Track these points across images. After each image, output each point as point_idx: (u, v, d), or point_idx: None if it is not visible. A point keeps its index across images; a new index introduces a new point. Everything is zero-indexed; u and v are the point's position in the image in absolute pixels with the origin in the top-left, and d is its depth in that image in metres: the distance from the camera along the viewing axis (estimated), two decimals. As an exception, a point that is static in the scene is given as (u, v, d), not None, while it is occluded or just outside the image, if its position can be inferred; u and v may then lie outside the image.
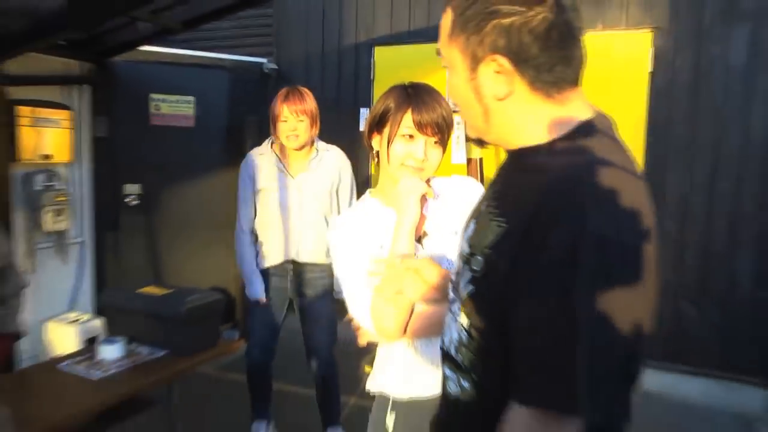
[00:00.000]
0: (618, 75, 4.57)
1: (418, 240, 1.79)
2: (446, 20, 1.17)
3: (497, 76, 1.11)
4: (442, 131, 1.79)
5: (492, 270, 1.10)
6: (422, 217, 1.82)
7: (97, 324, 4.14)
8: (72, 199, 4.47)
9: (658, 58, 4.49)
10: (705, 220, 4.46)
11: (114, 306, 3.21)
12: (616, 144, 1.13)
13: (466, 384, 1.23)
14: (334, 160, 3.52)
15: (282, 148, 3.45)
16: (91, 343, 3.85)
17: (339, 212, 3.53)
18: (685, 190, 4.51)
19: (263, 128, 5.43)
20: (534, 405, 1.01)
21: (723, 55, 4.34)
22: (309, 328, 3.58)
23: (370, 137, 1.91)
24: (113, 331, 3.13)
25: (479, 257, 1.14)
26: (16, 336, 2.04)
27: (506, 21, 1.07)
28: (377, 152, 1.89)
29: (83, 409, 2.51)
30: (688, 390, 4.53)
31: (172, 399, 3.01)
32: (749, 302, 4.38)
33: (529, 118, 1.14)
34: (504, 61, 1.09)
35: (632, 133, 4.52)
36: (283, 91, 3.40)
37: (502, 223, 1.12)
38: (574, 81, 1.13)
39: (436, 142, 1.79)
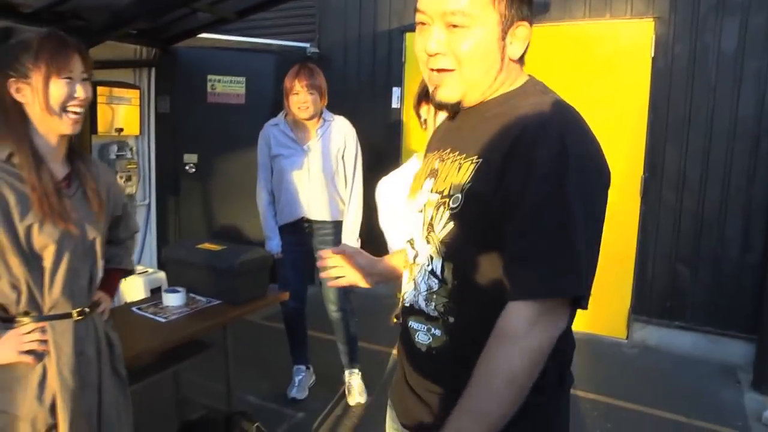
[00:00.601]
0: (624, 59, 4.52)
1: None
2: None
3: (523, 39, 1.19)
4: None
5: (472, 200, 1.13)
6: None
7: (161, 276, 4.23)
8: (139, 167, 4.58)
9: (659, 44, 4.42)
10: (699, 189, 4.43)
11: (176, 260, 3.29)
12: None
13: (437, 331, 1.21)
14: (339, 128, 3.51)
15: (294, 118, 3.47)
16: (154, 292, 3.98)
17: (345, 175, 3.55)
18: (682, 163, 4.46)
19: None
20: (542, 295, 1.04)
21: (715, 42, 4.27)
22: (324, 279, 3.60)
23: (418, 106, 1.91)
24: (174, 282, 3.19)
25: (457, 195, 1.15)
26: (129, 272, 2.22)
27: None
28: (425, 120, 1.89)
29: (153, 347, 2.62)
30: (680, 343, 4.55)
31: (227, 342, 3.09)
32: (737, 265, 4.35)
33: (512, 78, 1.23)
34: (528, 27, 1.18)
35: (636, 111, 4.49)
36: (295, 67, 3.40)
37: (475, 160, 1.16)
38: None
39: None
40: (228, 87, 5.15)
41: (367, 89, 5.65)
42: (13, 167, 1.65)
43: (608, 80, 4.49)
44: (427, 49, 1.19)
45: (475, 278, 1.15)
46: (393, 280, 1.58)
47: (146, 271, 4.35)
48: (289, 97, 3.39)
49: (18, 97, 1.65)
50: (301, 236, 3.59)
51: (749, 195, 4.27)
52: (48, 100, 1.65)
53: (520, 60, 1.23)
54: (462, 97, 1.21)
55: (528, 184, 1.05)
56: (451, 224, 1.16)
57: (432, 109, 1.81)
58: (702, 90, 4.34)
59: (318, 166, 3.47)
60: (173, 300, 3.00)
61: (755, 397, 3.89)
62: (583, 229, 1.04)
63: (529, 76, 1.25)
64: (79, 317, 1.78)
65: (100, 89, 4.16)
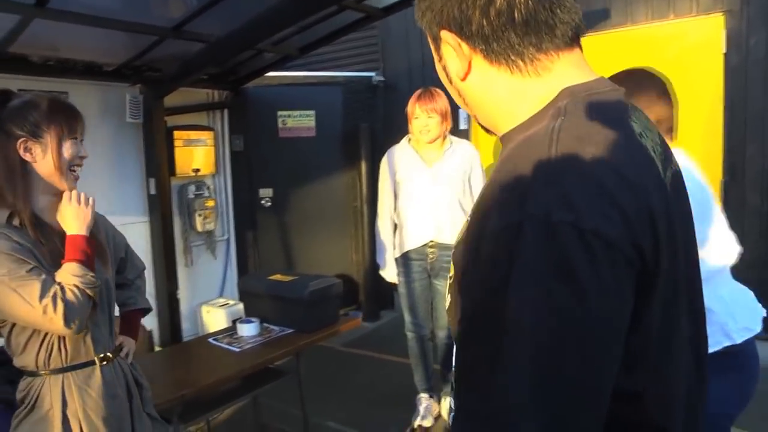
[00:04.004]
0: (693, 59, 4.34)
1: None
2: None
3: (454, 53, 0.87)
4: None
5: (455, 273, 0.84)
6: None
7: (241, 307, 4.35)
8: (217, 204, 4.80)
9: (731, 39, 4.20)
10: (787, 189, 4.18)
11: (249, 291, 3.43)
12: (611, 112, 0.80)
13: None
14: (465, 151, 3.51)
15: (418, 142, 3.48)
16: (236, 323, 4.14)
17: (472, 198, 3.50)
18: (764, 162, 4.23)
19: (375, 133, 5.60)
20: None
21: (792, 32, 4.03)
22: (439, 303, 3.56)
23: None
24: (250, 313, 3.35)
25: (452, 261, 0.87)
26: (145, 311, 2.22)
27: None
28: None
29: (226, 375, 2.75)
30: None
31: (299, 369, 3.17)
32: (836, 266, 4.07)
33: (497, 96, 0.87)
34: (449, 36, 0.85)
35: (710, 112, 4.29)
36: (416, 92, 3.45)
37: (468, 216, 0.86)
38: (550, 47, 0.82)
39: None
40: (298, 121, 5.32)
41: (434, 112, 5.67)
42: (15, 228, 1.67)
43: (678, 82, 4.28)
44: None
45: None
46: None
47: (227, 303, 4.52)
48: (411, 121, 3.44)
49: (26, 156, 1.69)
50: (423, 262, 3.54)
51: (843, 190, 3.99)
52: (60, 158, 1.72)
53: (521, 72, 0.84)
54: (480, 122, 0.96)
55: (468, 275, 0.74)
56: (449, 297, 0.89)
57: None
58: (781, 83, 4.11)
59: (446, 188, 3.44)
60: (247, 330, 3.14)
61: None
62: (528, 361, 0.64)
63: (584, 80, 0.84)
64: (104, 363, 1.82)
65: (176, 133, 4.40)
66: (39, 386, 1.73)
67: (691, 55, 4.36)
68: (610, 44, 4.47)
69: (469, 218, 0.83)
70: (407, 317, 3.57)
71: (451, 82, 0.91)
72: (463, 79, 0.88)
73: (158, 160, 4.15)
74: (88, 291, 1.65)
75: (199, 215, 4.53)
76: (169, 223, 4.23)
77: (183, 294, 4.37)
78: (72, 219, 1.72)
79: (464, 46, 0.84)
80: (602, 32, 4.62)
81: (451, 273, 0.86)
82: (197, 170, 4.56)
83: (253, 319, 3.18)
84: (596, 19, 4.59)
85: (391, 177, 3.54)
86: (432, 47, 0.93)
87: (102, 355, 1.82)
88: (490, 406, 0.66)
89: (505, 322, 0.65)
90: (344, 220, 5.58)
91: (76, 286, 1.63)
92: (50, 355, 1.72)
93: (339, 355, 4.77)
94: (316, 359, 4.17)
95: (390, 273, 3.56)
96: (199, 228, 4.55)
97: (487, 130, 0.95)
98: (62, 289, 1.61)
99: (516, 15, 0.79)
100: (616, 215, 0.67)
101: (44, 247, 1.69)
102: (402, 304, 3.60)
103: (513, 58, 0.82)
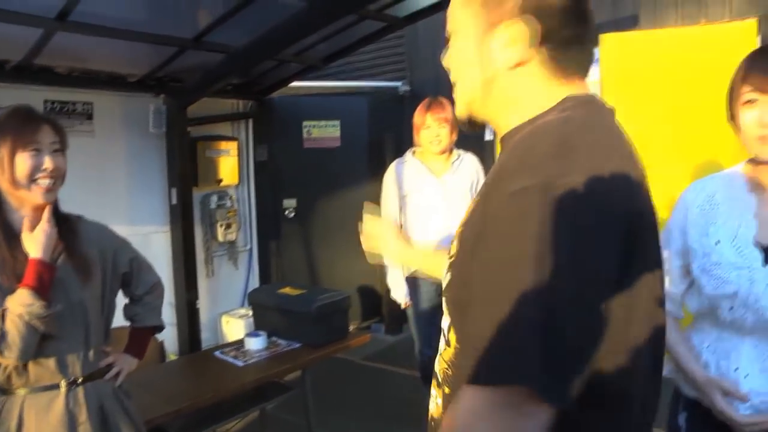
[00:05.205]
0: (723, 66, 4.13)
1: None
2: None
3: (514, 41, 0.91)
4: None
5: (461, 249, 0.92)
6: None
7: (258, 319, 4.37)
8: (240, 214, 4.80)
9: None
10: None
11: (258, 304, 3.40)
12: (610, 121, 0.92)
13: (440, 401, 0.98)
14: (472, 162, 3.43)
15: (424, 154, 3.39)
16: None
17: None
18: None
19: (400, 143, 5.52)
20: (483, 381, 0.75)
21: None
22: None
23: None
24: (259, 326, 3.31)
25: (455, 240, 0.96)
26: (155, 329, 2.11)
27: None
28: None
29: (227, 389, 2.72)
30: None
31: (305, 384, 3.13)
32: None
33: (531, 94, 0.93)
34: (525, 28, 0.89)
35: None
36: (425, 102, 3.34)
37: (475, 198, 0.95)
38: (583, 70, 0.95)
39: None
40: (323, 131, 5.30)
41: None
42: None
43: (710, 87, 4.07)
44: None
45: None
46: None
47: (247, 314, 4.50)
48: (420, 131, 3.33)
49: None
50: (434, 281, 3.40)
51: None
52: (14, 173, 1.62)
53: (559, 82, 0.93)
54: (467, 114, 1.02)
55: (484, 234, 0.82)
56: (448, 275, 0.95)
57: None
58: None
59: (455, 199, 3.32)
60: (254, 344, 3.10)
61: None
62: (544, 295, 0.72)
63: (567, 98, 0.92)
64: (70, 387, 1.72)
65: (199, 144, 4.42)
66: (2, 404, 1.68)
67: (722, 61, 4.13)
68: (638, 44, 4.29)
69: (477, 199, 0.93)
70: (417, 341, 3.46)
71: (488, 66, 0.95)
72: (513, 68, 0.93)
73: (180, 170, 4.16)
74: (32, 322, 1.56)
75: (221, 225, 4.54)
76: (189, 233, 4.23)
77: (204, 304, 4.37)
78: (30, 242, 1.64)
79: (537, 39, 0.90)
80: (631, 30, 4.44)
81: (453, 251, 0.95)
82: (220, 180, 4.58)
83: (260, 333, 3.16)
84: (625, 25, 4.43)
85: (396, 192, 3.42)
86: (477, 28, 0.95)
87: (71, 379, 1.73)
88: (500, 356, 0.74)
89: (516, 264, 0.75)
90: (369, 231, 5.53)
91: (20, 316, 1.54)
92: (9, 375, 1.66)
93: (358, 369, 4.71)
94: (333, 373, 4.12)
95: (400, 294, 3.39)
96: (221, 238, 4.55)
97: (471, 124, 1.04)
98: (2, 317, 1.54)
99: (578, 29, 0.92)
100: (614, 189, 0.78)
101: (13, 266, 1.62)
102: (411, 326, 3.47)
103: (565, 68, 0.93)
